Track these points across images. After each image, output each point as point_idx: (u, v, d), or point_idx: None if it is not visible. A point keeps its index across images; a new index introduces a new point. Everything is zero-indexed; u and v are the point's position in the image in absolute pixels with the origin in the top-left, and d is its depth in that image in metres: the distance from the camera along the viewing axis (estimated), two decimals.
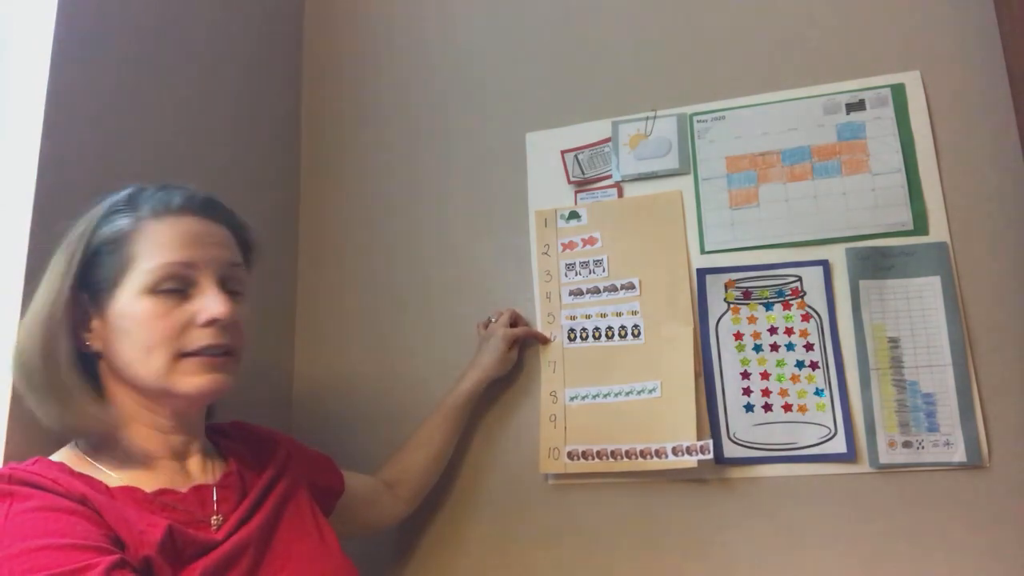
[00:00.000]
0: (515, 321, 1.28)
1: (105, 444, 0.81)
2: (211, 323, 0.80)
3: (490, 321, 1.29)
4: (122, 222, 0.80)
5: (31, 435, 0.86)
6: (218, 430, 0.95)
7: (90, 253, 0.79)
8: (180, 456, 0.84)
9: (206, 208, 0.85)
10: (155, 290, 0.78)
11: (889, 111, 1.19)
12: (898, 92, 1.19)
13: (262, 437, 0.99)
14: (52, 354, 0.76)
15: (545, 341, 1.29)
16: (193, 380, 0.79)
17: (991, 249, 1.12)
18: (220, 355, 0.82)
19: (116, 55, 1.08)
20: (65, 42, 0.98)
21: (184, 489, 0.81)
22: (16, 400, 0.85)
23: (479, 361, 1.24)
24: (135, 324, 0.78)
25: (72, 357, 0.78)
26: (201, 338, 0.80)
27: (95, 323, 0.80)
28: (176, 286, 0.79)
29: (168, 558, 0.72)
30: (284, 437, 1.01)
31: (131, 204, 0.82)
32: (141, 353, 0.78)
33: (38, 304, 0.78)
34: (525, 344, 1.30)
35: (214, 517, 0.81)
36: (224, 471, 0.88)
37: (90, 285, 0.80)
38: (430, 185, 1.42)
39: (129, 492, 0.76)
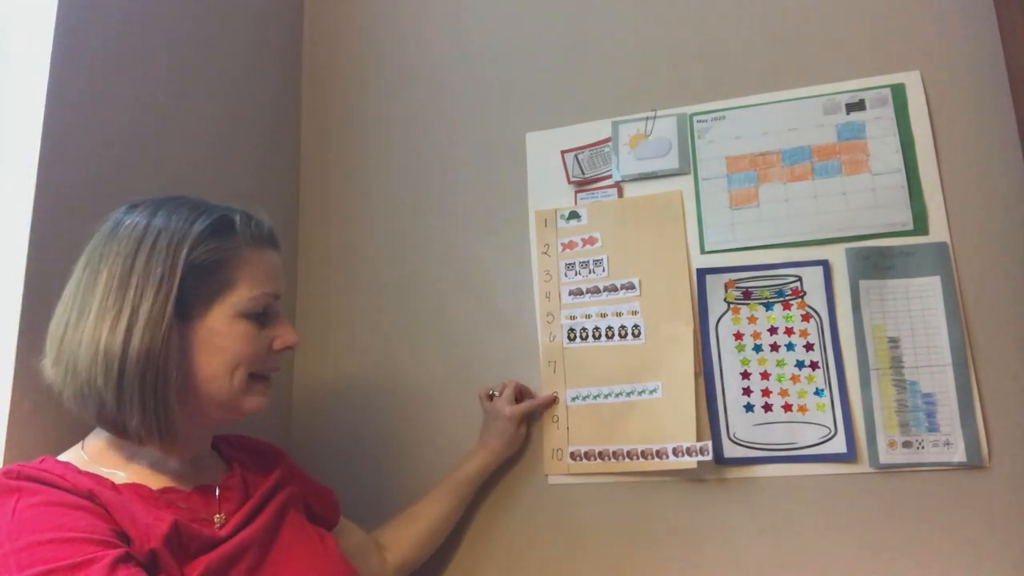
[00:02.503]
0: (520, 394, 1.25)
1: (113, 446, 0.82)
2: (285, 349, 0.89)
3: (492, 394, 1.25)
4: (226, 242, 0.83)
5: (31, 435, 0.86)
6: (223, 439, 0.98)
7: (184, 273, 0.79)
8: (186, 458, 0.86)
9: (276, 241, 0.91)
10: (249, 314, 0.84)
11: (889, 111, 1.19)
12: (898, 92, 1.19)
13: (267, 450, 1.02)
14: (157, 380, 0.76)
15: (552, 403, 1.26)
16: (257, 400, 0.86)
17: (991, 249, 1.12)
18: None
19: (115, 56, 1.08)
20: (65, 44, 0.98)
21: (188, 488, 0.83)
22: (16, 400, 0.86)
23: (488, 443, 1.21)
24: (230, 343, 0.82)
25: (174, 381, 0.78)
26: (274, 361, 0.89)
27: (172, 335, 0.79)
28: (263, 313, 0.86)
29: (173, 552, 0.73)
30: (288, 458, 1.04)
31: (226, 224, 0.84)
32: (227, 369, 0.82)
33: (125, 320, 0.76)
34: (524, 346, 1.30)
35: (217, 515, 0.83)
36: (227, 473, 0.90)
37: (180, 293, 0.79)
38: (430, 185, 1.42)
39: (135, 489, 0.78)
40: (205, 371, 0.81)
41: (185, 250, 0.79)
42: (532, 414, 1.25)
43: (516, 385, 1.25)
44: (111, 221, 0.82)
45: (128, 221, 0.81)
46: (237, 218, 0.85)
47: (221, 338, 0.82)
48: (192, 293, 0.80)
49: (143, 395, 0.75)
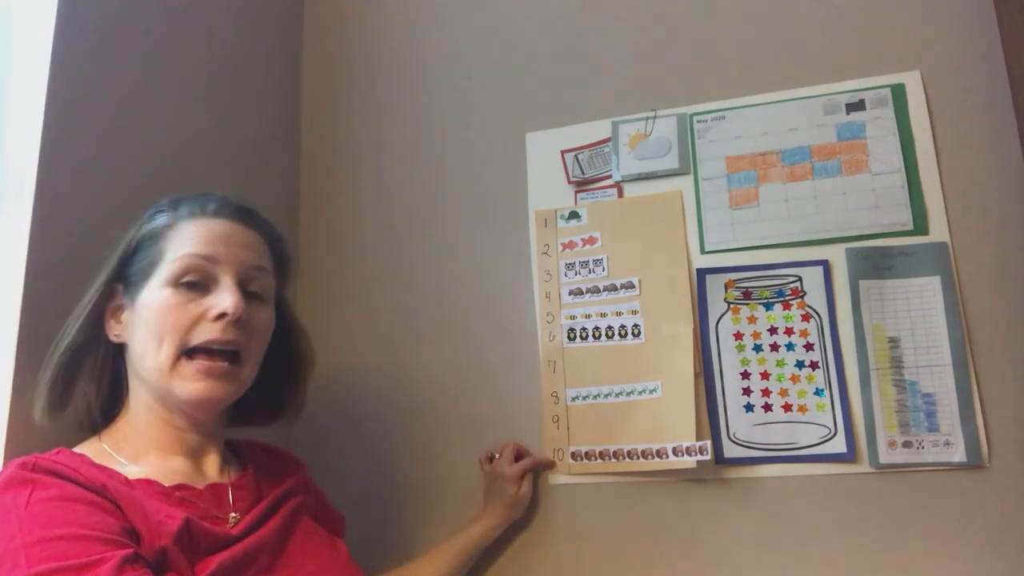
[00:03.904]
0: (519, 454, 1.23)
1: (126, 439, 0.83)
2: (220, 317, 0.80)
3: (493, 456, 1.23)
4: (160, 220, 0.85)
5: (31, 434, 0.86)
6: (245, 443, 0.97)
7: (132, 249, 0.84)
8: (196, 455, 0.86)
9: (240, 213, 0.88)
10: (177, 283, 0.80)
11: (889, 111, 1.19)
12: (898, 92, 1.19)
13: (287, 459, 1.01)
14: (86, 339, 0.83)
15: (551, 466, 1.24)
16: (190, 386, 0.80)
17: (991, 249, 1.12)
18: (225, 360, 0.82)
19: (115, 56, 1.08)
20: (65, 44, 0.98)
21: (200, 486, 0.83)
22: (16, 399, 0.86)
23: (491, 509, 1.18)
24: (152, 313, 0.80)
25: (101, 344, 0.84)
26: (209, 332, 0.80)
27: (126, 315, 0.84)
28: (197, 279, 0.81)
29: (184, 549, 0.73)
30: (306, 472, 1.03)
31: (172, 205, 0.87)
32: (152, 342, 0.80)
33: (85, 296, 0.84)
34: (524, 346, 1.30)
35: (232, 515, 0.82)
36: (240, 474, 0.90)
37: (126, 278, 0.84)
38: (430, 185, 1.42)
39: (147, 484, 0.78)
40: (137, 346, 0.82)
41: (134, 231, 0.85)
42: (534, 472, 1.23)
43: (515, 445, 1.23)
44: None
45: None
46: (186, 197, 0.88)
47: (146, 310, 0.81)
48: (135, 270, 0.83)
49: (52, 375, 0.82)
